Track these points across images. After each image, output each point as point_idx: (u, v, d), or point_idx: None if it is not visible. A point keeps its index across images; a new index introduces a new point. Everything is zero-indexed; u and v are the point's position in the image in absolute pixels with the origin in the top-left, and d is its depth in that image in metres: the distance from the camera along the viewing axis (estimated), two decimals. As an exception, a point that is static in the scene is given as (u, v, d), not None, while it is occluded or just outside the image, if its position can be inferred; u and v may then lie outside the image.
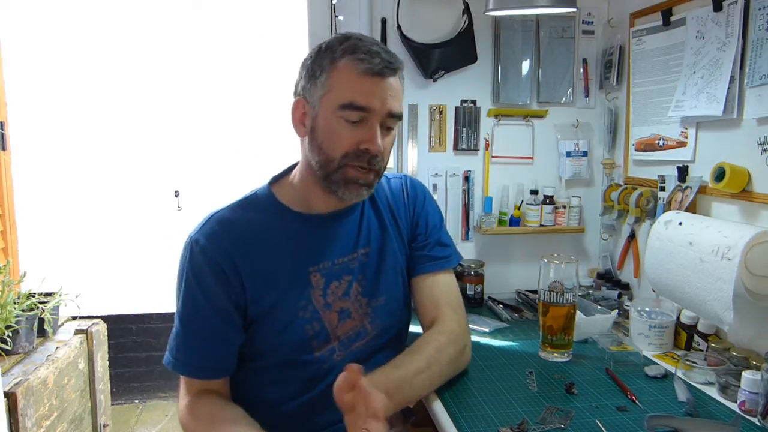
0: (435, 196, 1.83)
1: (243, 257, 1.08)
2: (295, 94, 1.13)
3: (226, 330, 1.08)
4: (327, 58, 1.05)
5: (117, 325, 3.21)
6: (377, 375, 1.03)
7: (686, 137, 1.52)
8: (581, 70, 1.89)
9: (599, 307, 1.53)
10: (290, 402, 1.11)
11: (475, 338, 1.42)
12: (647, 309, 1.46)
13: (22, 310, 1.87)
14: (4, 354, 1.81)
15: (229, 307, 1.08)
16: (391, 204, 1.25)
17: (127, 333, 3.34)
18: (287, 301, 1.10)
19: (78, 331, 2.12)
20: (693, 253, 1.27)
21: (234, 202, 1.16)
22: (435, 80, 1.81)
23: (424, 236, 1.26)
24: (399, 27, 1.76)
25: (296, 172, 1.17)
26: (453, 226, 1.87)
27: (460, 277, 1.73)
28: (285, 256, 1.11)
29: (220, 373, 1.11)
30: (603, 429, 1.02)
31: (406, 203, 1.27)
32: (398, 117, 1.08)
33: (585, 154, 1.90)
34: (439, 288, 1.23)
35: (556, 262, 1.31)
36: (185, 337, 1.09)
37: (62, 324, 2.16)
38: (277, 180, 1.19)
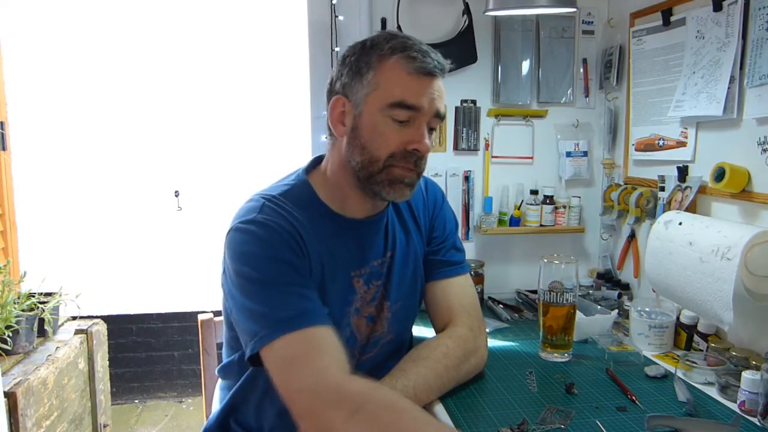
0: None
1: (304, 239, 1.01)
2: (332, 92, 1.07)
3: (313, 293, 0.99)
4: (374, 55, 1.01)
5: (117, 325, 3.22)
6: None
7: (686, 137, 1.52)
8: (581, 70, 1.89)
9: (599, 307, 1.53)
10: None
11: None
12: (647, 309, 1.46)
13: (22, 310, 1.87)
14: (4, 354, 1.81)
15: (308, 274, 1.00)
16: (412, 205, 1.22)
17: (127, 333, 3.34)
18: (334, 304, 1.05)
19: (78, 331, 2.12)
20: (693, 253, 1.27)
21: (277, 190, 1.07)
22: (435, 80, 1.81)
23: (440, 240, 1.24)
24: (399, 27, 1.76)
25: (326, 169, 1.11)
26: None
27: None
28: (329, 257, 1.06)
29: (323, 317, 0.95)
30: (603, 429, 1.02)
31: (426, 203, 1.24)
32: (442, 118, 1.06)
33: (585, 154, 1.90)
34: (453, 292, 1.21)
35: (556, 262, 1.31)
36: (268, 303, 0.94)
37: (62, 324, 2.16)
38: (310, 170, 1.13)
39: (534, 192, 1.88)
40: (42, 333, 1.99)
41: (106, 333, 2.30)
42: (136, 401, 3.37)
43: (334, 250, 1.07)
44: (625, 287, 1.78)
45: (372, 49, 1.02)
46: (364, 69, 1.02)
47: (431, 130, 1.06)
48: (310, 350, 0.90)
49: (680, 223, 1.35)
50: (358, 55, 1.03)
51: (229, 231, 1.03)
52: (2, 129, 2.22)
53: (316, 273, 1.03)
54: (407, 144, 1.01)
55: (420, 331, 1.43)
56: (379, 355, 1.15)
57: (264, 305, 0.94)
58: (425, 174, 1.10)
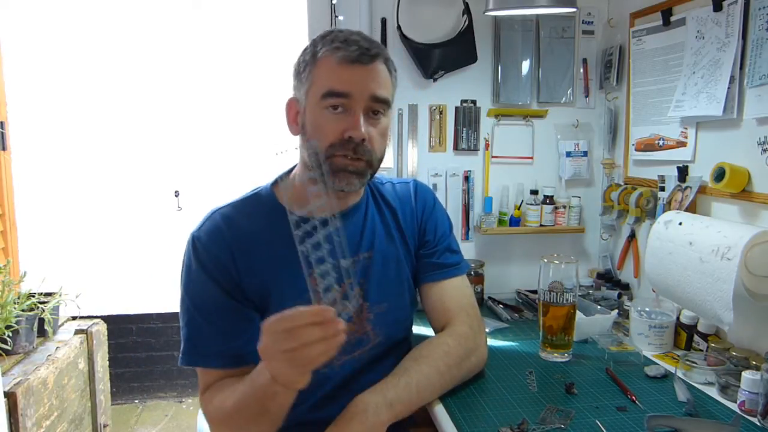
0: (435, 196, 1.83)
1: (243, 256, 1.08)
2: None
3: (239, 310, 1.07)
4: (309, 53, 1.07)
5: (117, 325, 3.22)
6: (381, 385, 1.02)
7: (686, 137, 1.52)
8: (581, 70, 1.89)
9: (599, 307, 1.53)
10: (291, 410, 1.08)
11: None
12: (647, 309, 1.46)
13: (22, 310, 1.87)
14: (4, 354, 1.81)
15: (238, 293, 1.07)
16: (396, 210, 1.23)
17: (127, 333, 3.34)
18: (285, 304, 1.07)
19: (78, 331, 2.12)
20: (693, 253, 1.27)
21: (236, 200, 1.15)
22: (435, 80, 1.81)
23: (433, 243, 1.24)
24: (399, 27, 1.76)
25: (295, 172, 1.17)
26: (453, 226, 1.87)
27: (460, 277, 1.73)
28: (284, 259, 1.09)
29: (239, 361, 1.05)
30: (603, 429, 1.02)
31: (414, 208, 1.24)
32: (383, 102, 1.07)
33: (585, 154, 1.90)
34: (450, 293, 1.21)
35: (556, 262, 1.31)
36: (197, 327, 1.07)
37: (62, 324, 2.16)
38: (279, 180, 1.19)
39: (534, 192, 1.88)
40: (42, 333, 1.99)
41: (106, 333, 2.30)
42: (136, 401, 3.37)
43: (289, 250, 1.06)
44: (625, 287, 1.78)
45: (309, 48, 1.08)
46: (303, 68, 1.08)
47: (376, 115, 1.07)
48: (216, 386, 1.06)
49: (680, 223, 1.35)
50: (300, 57, 1.10)
51: None
52: (2, 129, 2.22)
53: (254, 283, 1.08)
54: (343, 132, 1.04)
55: (420, 330, 1.43)
56: (366, 355, 1.15)
57: (193, 331, 1.08)
58: (410, 174, 1.11)
